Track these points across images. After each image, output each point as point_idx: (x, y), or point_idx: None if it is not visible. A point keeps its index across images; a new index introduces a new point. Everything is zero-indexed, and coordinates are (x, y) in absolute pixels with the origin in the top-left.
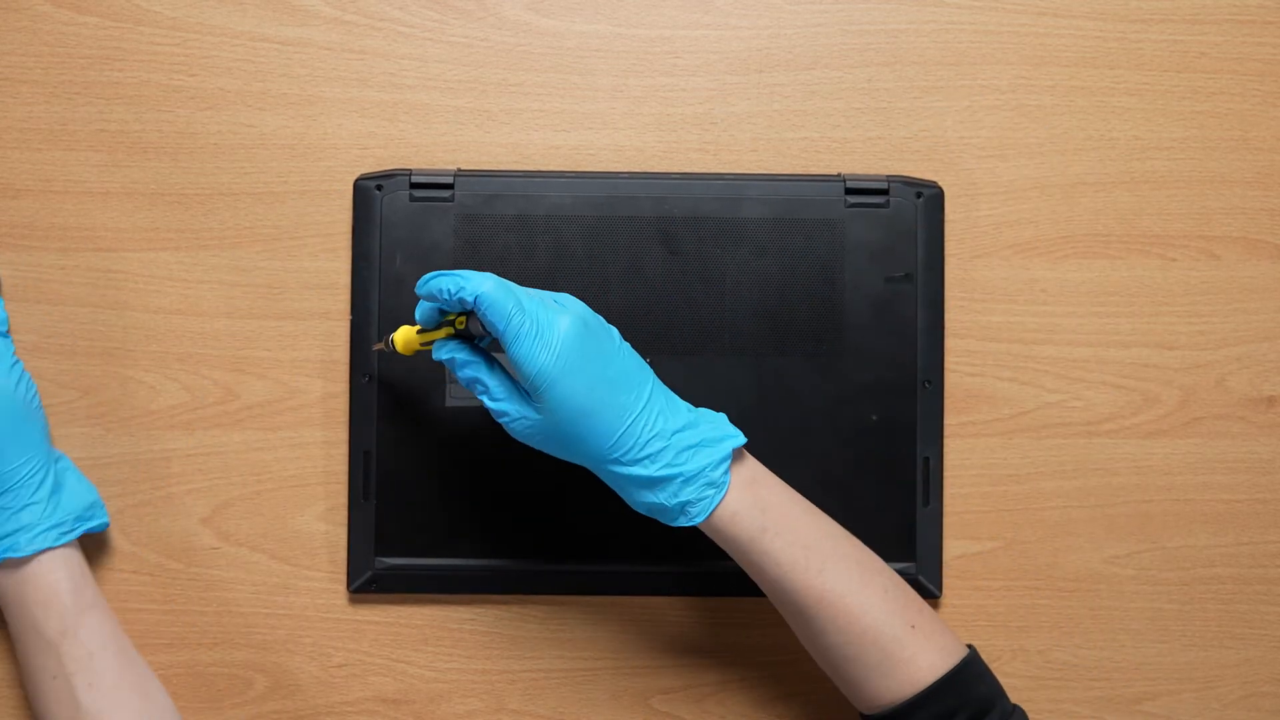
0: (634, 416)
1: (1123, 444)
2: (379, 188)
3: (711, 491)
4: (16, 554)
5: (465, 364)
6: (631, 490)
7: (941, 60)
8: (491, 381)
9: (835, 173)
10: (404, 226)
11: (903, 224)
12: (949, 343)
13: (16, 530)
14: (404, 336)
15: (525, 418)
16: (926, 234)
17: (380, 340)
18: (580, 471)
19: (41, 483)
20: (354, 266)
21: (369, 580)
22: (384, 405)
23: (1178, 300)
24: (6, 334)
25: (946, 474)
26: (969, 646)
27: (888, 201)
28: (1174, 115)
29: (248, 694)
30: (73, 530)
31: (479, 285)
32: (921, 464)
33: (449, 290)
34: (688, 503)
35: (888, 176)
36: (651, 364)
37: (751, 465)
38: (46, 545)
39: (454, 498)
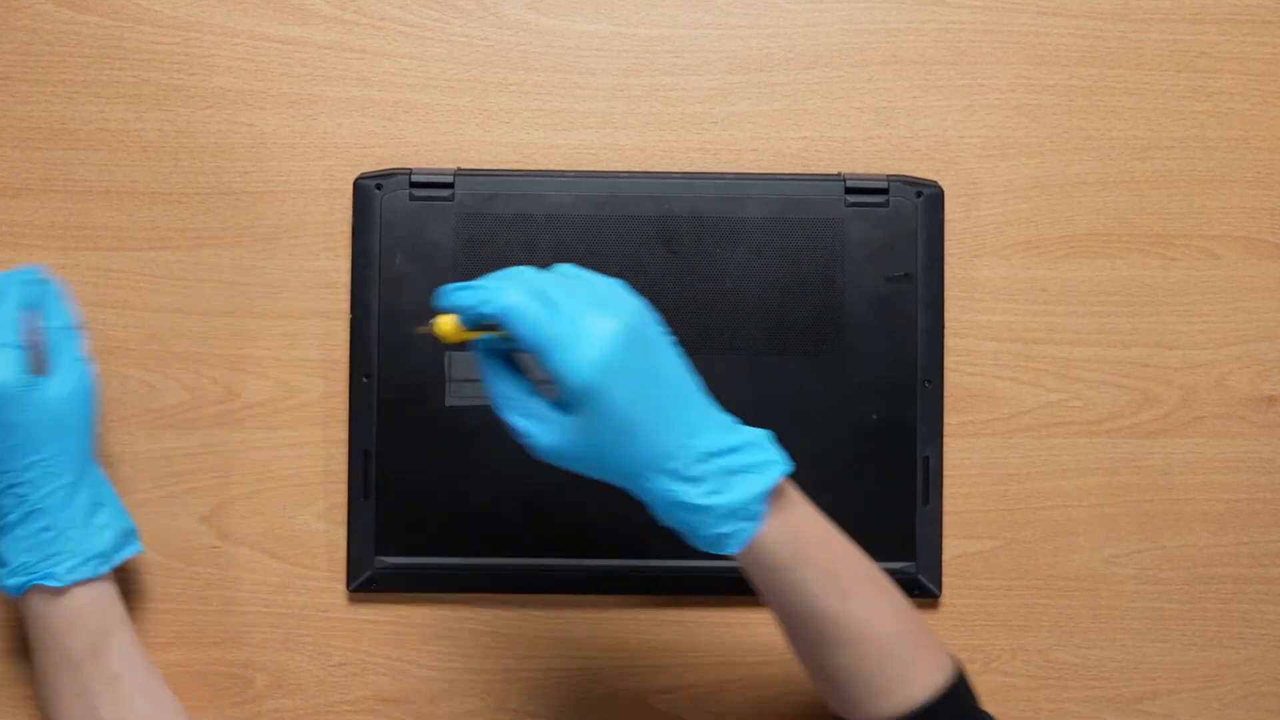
0: (678, 436)
1: (1123, 444)
2: (379, 187)
3: (748, 524)
4: (54, 583)
5: (490, 377)
6: (665, 512)
7: (941, 60)
8: (517, 397)
9: (835, 172)
10: (404, 226)
11: (903, 224)
12: (949, 342)
13: (55, 555)
14: (448, 326)
15: (552, 438)
16: (926, 234)
17: (424, 324)
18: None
19: (80, 504)
20: (354, 266)
21: (369, 580)
22: (384, 405)
23: (1178, 300)
24: (73, 328)
25: (946, 474)
26: (952, 658)
27: (888, 201)
28: (1174, 115)
29: (248, 693)
30: (111, 560)
31: (502, 299)
32: (921, 464)
33: (469, 306)
34: (723, 534)
35: (888, 176)
36: None
37: (786, 491)
38: (85, 577)
39: (454, 498)
